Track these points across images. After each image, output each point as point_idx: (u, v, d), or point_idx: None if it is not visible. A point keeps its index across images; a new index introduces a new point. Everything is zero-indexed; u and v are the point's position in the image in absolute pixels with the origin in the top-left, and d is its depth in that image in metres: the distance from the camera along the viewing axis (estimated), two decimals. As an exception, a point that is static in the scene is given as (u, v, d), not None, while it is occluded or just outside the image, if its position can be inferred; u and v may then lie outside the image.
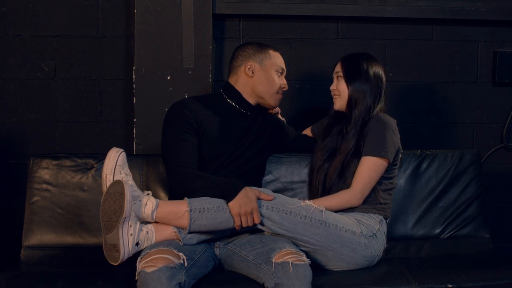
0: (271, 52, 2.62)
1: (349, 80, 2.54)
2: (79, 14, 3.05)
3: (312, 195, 2.61)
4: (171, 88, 2.95)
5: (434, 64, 3.19)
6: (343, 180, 2.50)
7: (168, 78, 2.95)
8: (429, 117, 3.21)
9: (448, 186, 2.79)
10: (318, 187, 2.59)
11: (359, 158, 2.49)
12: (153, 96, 2.94)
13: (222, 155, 2.51)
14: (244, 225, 2.28)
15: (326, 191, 2.54)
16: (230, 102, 2.60)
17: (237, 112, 2.60)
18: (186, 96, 2.89)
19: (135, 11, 2.93)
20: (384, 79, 2.59)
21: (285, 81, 2.64)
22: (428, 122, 3.21)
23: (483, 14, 3.12)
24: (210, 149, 2.50)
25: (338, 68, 2.59)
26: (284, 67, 2.64)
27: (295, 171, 2.75)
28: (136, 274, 2.13)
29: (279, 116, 2.82)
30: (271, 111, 2.75)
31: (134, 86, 2.96)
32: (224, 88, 2.64)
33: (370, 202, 2.49)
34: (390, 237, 2.65)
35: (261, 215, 2.30)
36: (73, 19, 3.05)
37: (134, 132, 2.97)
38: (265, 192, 2.35)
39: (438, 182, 2.79)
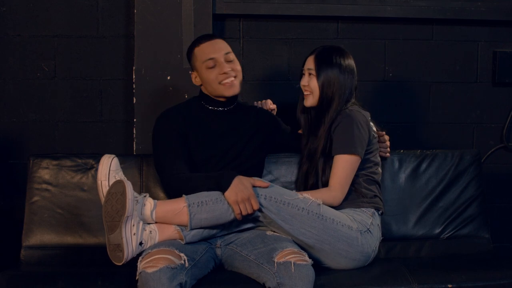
0: (195, 50, 2.56)
1: (322, 77, 2.48)
2: (79, 14, 3.05)
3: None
4: (171, 88, 2.95)
5: (434, 64, 3.19)
6: (322, 180, 2.49)
7: (168, 78, 2.95)
8: (429, 117, 3.21)
9: (448, 186, 2.79)
10: (300, 186, 2.60)
11: (331, 156, 2.47)
12: (153, 96, 2.94)
13: (214, 157, 2.52)
14: (243, 212, 2.28)
15: (309, 190, 2.52)
16: (207, 106, 2.60)
17: (215, 112, 2.60)
18: (186, 96, 2.90)
19: (135, 11, 2.93)
20: (356, 73, 2.54)
21: (223, 67, 2.51)
22: (428, 122, 3.20)
23: (483, 14, 3.12)
24: (200, 152, 2.51)
25: (310, 64, 2.51)
26: (213, 56, 2.50)
27: (295, 171, 2.74)
28: (137, 274, 2.13)
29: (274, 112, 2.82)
30: (262, 104, 2.76)
31: (134, 86, 2.96)
32: (199, 93, 2.64)
33: (353, 199, 2.47)
34: (390, 237, 2.65)
35: (260, 204, 2.30)
36: (73, 19, 3.05)
37: (134, 132, 2.97)
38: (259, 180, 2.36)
39: (438, 182, 2.79)
